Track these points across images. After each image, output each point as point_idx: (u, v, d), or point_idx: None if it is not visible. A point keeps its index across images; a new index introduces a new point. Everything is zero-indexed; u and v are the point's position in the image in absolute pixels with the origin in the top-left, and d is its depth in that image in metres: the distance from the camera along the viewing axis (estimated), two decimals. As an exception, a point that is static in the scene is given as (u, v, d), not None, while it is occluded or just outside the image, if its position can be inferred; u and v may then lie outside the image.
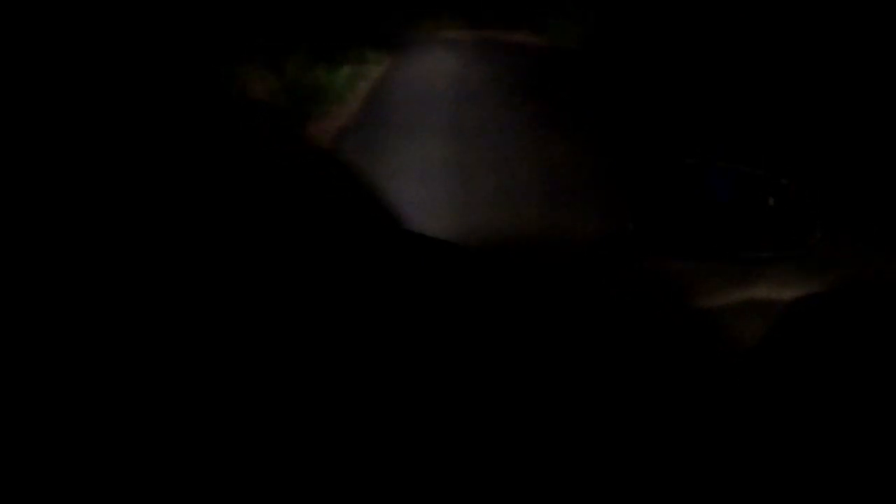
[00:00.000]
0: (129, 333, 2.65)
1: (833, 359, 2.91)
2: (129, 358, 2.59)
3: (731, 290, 4.22)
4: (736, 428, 2.75)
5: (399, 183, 4.84)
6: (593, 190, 5.10)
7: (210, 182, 3.51)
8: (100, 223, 3.01)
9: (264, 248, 3.02)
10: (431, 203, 4.90)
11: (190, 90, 4.23)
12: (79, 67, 3.88)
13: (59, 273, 2.78)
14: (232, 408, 2.55)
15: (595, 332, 3.05)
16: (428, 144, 5.42)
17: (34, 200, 3.05)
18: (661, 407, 2.78)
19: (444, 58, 6.22)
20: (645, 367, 2.93)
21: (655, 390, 2.84)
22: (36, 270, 2.77)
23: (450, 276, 3.11)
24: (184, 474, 2.41)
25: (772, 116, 5.19)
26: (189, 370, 2.59)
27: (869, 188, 4.74)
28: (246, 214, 3.24)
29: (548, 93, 5.97)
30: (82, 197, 3.13)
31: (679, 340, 3.28)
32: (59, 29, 4.04)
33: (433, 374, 2.71)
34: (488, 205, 5.07)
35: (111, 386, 2.53)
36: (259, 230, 3.11)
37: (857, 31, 5.09)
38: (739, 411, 2.80)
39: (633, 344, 3.06)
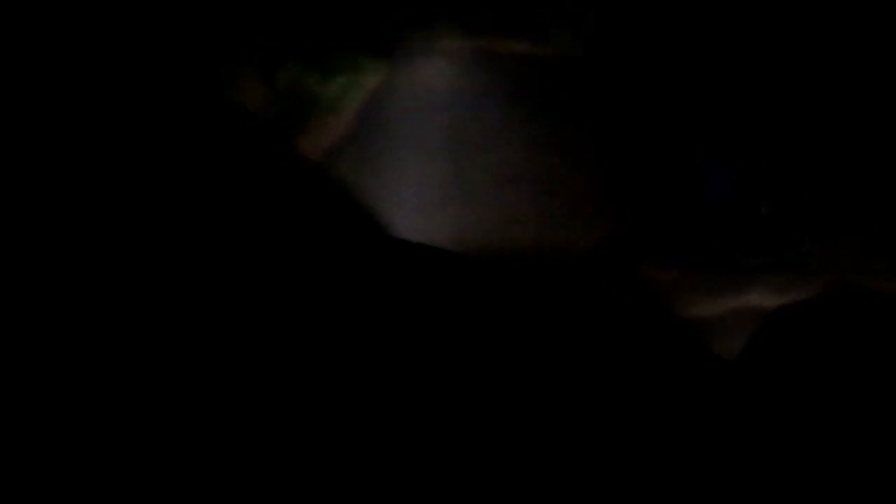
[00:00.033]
0: (118, 340, 2.65)
1: (814, 367, 2.89)
2: (114, 366, 2.59)
3: (722, 298, 4.18)
4: (722, 435, 2.74)
5: (397, 202, 4.81)
6: (593, 200, 5.08)
7: (198, 192, 3.50)
8: (86, 228, 3.01)
9: (255, 255, 3.01)
10: (429, 222, 4.88)
11: (173, 97, 4.20)
12: (58, 76, 3.86)
13: (40, 280, 2.78)
14: (223, 414, 2.55)
15: (590, 338, 3.05)
16: (426, 162, 5.38)
17: (22, 203, 3.06)
18: (652, 414, 2.78)
19: (443, 68, 6.17)
20: (637, 375, 2.92)
21: (647, 398, 2.83)
22: (24, 273, 2.78)
23: (445, 282, 3.11)
24: (174, 476, 2.42)
25: (772, 116, 5.16)
26: (177, 378, 2.60)
27: (869, 189, 4.72)
28: (236, 224, 3.23)
29: (550, 104, 5.93)
30: (63, 202, 3.13)
31: (671, 349, 3.27)
32: (46, 35, 4.02)
33: (431, 377, 2.71)
34: (487, 220, 5.04)
35: (104, 389, 2.54)
36: (248, 240, 3.11)
37: (857, 32, 5.06)
38: (725, 419, 2.79)
39: (626, 351, 3.05)
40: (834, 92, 5.13)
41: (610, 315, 3.28)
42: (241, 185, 3.77)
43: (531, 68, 6.21)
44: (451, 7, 6.12)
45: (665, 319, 3.88)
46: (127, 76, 4.12)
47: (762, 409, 2.82)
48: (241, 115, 4.73)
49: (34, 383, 2.53)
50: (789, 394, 2.85)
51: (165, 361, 2.64)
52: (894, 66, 5.06)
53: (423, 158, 5.45)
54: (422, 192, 5.22)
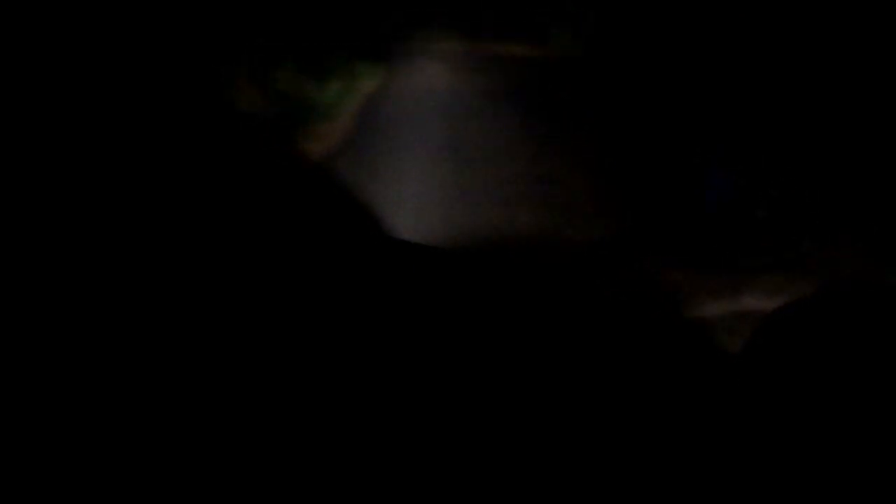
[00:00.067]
0: (117, 341, 2.66)
1: (812, 366, 2.89)
2: (114, 366, 2.60)
3: (722, 298, 4.18)
4: (720, 435, 2.74)
5: (396, 204, 4.81)
6: (593, 200, 5.08)
7: (195, 193, 3.50)
8: (83, 229, 3.02)
9: (255, 256, 3.01)
10: (429, 224, 4.88)
11: (170, 98, 4.21)
12: (51, 79, 3.87)
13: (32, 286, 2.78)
14: (222, 412, 2.55)
15: (590, 338, 3.05)
16: (425, 168, 5.37)
17: (19, 203, 3.06)
18: (653, 413, 2.78)
19: (441, 71, 6.16)
20: (638, 375, 2.92)
21: (648, 398, 2.83)
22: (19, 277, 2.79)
23: (445, 283, 3.11)
24: (169, 478, 2.43)
25: (772, 117, 5.17)
26: (176, 377, 2.60)
27: (870, 188, 4.72)
28: (234, 225, 3.23)
29: (550, 107, 5.93)
30: (60, 203, 3.13)
31: (671, 348, 3.27)
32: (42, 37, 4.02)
33: (431, 378, 2.72)
34: (487, 221, 5.04)
35: (103, 389, 2.54)
36: (248, 241, 3.11)
37: (857, 32, 5.07)
38: (724, 420, 2.78)
39: (626, 351, 3.05)
40: (834, 92, 5.14)
41: (610, 315, 3.28)
42: (239, 185, 3.78)
43: (531, 69, 6.22)
44: (448, 9, 6.13)
45: (665, 319, 3.88)
46: (124, 77, 4.12)
47: (763, 408, 2.81)
48: (238, 117, 4.73)
49: (34, 383, 2.54)
50: (790, 392, 2.84)
51: (164, 361, 2.64)
52: (894, 66, 5.08)
53: (423, 161, 5.45)
54: (421, 195, 5.22)
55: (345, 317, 2.83)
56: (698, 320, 3.94)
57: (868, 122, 4.89)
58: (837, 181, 4.82)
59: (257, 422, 2.55)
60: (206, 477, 2.44)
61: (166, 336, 2.69)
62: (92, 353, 2.62)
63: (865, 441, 2.68)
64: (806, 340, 2.98)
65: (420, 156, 5.40)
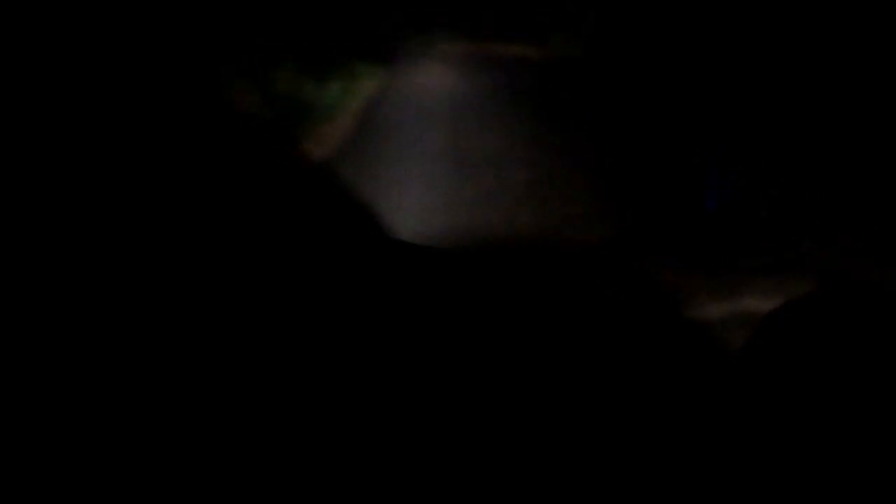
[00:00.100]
0: (117, 341, 2.65)
1: (810, 366, 2.89)
2: (113, 366, 2.59)
3: (722, 299, 4.17)
4: (720, 435, 2.73)
5: (397, 206, 4.80)
6: (593, 201, 5.07)
7: (195, 194, 3.50)
8: (83, 230, 3.01)
9: (255, 257, 3.01)
10: (429, 225, 4.87)
11: (169, 98, 4.20)
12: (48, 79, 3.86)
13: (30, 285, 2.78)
14: (222, 413, 2.55)
15: (591, 338, 3.05)
16: (426, 166, 5.36)
17: (18, 204, 3.06)
18: (653, 414, 2.77)
19: (441, 72, 6.14)
20: (638, 375, 2.92)
21: (648, 398, 2.83)
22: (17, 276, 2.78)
23: (446, 284, 3.11)
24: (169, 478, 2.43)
25: (772, 117, 5.16)
26: (177, 377, 2.60)
27: (869, 189, 4.71)
28: (234, 225, 3.23)
29: (550, 107, 5.92)
30: (59, 204, 3.13)
31: (671, 349, 3.26)
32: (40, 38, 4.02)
33: (432, 378, 2.71)
34: (488, 222, 5.04)
35: (103, 389, 2.54)
36: (248, 242, 3.11)
37: (857, 32, 5.06)
38: (724, 420, 2.78)
39: (627, 352, 3.05)
40: (833, 93, 5.12)
41: (610, 316, 3.28)
42: (238, 186, 3.77)
43: (531, 70, 6.20)
44: (448, 10, 6.10)
45: (665, 320, 3.87)
46: (123, 77, 4.12)
47: (762, 408, 2.81)
48: (237, 118, 4.73)
49: (34, 383, 2.53)
50: (789, 392, 2.84)
51: (164, 363, 2.64)
52: (894, 66, 5.06)
53: (423, 162, 5.44)
54: (422, 196, 5.21)
55: (345, 317, 2.82)
56: (698, 321, 3.93)
57: (868, 123, 4.88)
58: (837, 181, 4.81)
59: (258, 422, 2.54)
60: (206, 475, 2.44)
61: (167, 337, 2.68)
62: (92, 352, 2.62)
63: (865, 441, 2.67)
64: (805, 341, 2.98)
65: (420, 156, 5.39)
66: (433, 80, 6.05)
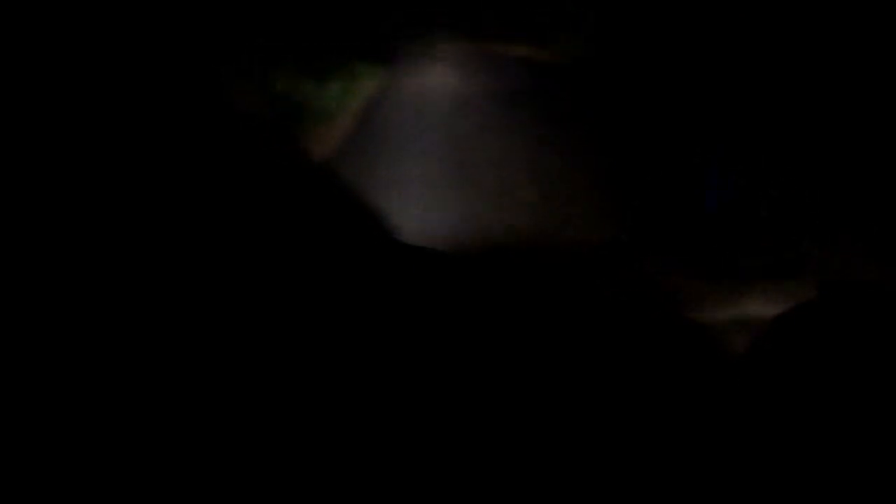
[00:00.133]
0: (116, 342, 2.65)
1: (818, 368, 2.88)
2: (113, 366, 2.59)
3: (722, 299, 4.16)
4: (726, 436, 2.73)
5: (398, 206, 4.80)
6: (594, 202, 5.07)
7: (196, 195, 3.49)
8: (83, 231, 3.01)
9: (255, 257, 3.01)
10: (430, 226, 4.86)
11: (169, 99, 4.20)
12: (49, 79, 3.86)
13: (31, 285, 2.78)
14: (224, 413, 2.55)
15: (591, 340, 3.04)
16: (427, 166, 5.35)
17: (18, 204, 3.06)
18: (654, 415, 2.77)
19: (442, 73, 6.14)
20: (639, 377, 2.91)
21: (649, 399, 2.82)
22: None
23: (446, 285, 3.10)
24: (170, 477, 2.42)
25: (772, 118, 5.15)
26: (178, 379, 2.60)
27: (868, 189, 4.71)
28: (235, 226, 3.23)
29: (550, 106, 5.92)
30: (59, 204, 3.12)
31: (673, 351, 3.26)
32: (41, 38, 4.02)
33: (432, 379, 2.71)
34: (488, 223, 5.03)
35: (103, 389, 2.54)
36: (248, 242, 3.10)
37: (857, 32, 5.06)
38: (729, 421, 2.78)
39: (627, 353, 3.04)
40: (833, 93, 5.12)
41: (611, 317, 3.27)
42: (240, 187, 3.77)
43: (531, 70, 6.20)
44: (449, 10, 6.09)
45: (666, 321, 3.87)
46: (124, 77, 4.11)
47: (766, 411, 2.80)
48: (237, 118, 4.72)
49: (33, 383, 2.53)
50: (793, 395, 2.83)
51: (165, 364, 2.63)
52: (894, 66, 5.06)
53: (424, 163, 5.43)
54: (423, 196, 5.20)
55: (345, 318, 2.82)
56: (699, 323, 3.92)
57: (868, 123, 4.88)
58: (837, 182, 4.80)
59: (258, 422, 2.54)
60: (206, 474, 2.43)
61: (167, 337, 2.68)
62: (92, 352, 2.61)
63: (867, 441, 2.66)
64: (815, 345, 2.97)
65: (420, 157, 5.38)
66: (433, 80, 6.03)
